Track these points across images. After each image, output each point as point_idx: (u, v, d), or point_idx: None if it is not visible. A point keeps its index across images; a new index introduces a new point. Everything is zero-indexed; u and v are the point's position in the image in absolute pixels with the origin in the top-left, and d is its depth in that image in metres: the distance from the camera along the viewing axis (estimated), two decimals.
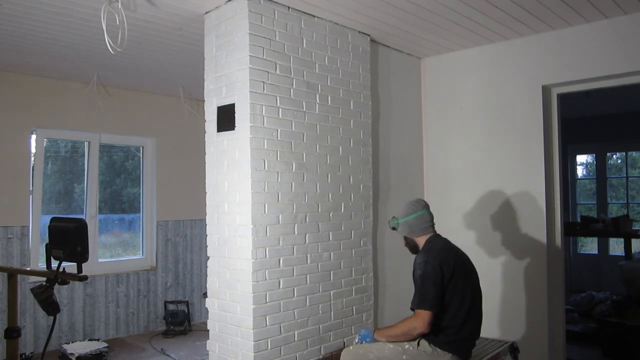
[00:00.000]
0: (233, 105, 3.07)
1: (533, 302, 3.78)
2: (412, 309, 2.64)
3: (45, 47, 3.92)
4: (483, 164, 4.09)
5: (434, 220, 2.91)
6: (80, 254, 2.31)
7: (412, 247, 2.93)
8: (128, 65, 4.47)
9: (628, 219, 5.90)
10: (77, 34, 3.63)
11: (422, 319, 2.57)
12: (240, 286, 3.01)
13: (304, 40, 3.30)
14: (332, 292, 3.41)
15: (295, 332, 3.17)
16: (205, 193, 3.30)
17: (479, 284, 2.85)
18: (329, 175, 3.43)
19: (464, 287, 2.67)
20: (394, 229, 2.96)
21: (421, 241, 2.85)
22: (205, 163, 3.31)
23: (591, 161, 7.83)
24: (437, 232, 2.91)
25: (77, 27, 3.49)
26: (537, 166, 3.79)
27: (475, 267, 4.05)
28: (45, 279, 2.34)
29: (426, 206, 2.91)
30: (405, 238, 2.94)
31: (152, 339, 5.27)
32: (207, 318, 3.27)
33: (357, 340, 2.82)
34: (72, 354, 4.48)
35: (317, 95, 3.37)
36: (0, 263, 4.53)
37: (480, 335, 3.49)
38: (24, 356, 4.51)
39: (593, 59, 3.56)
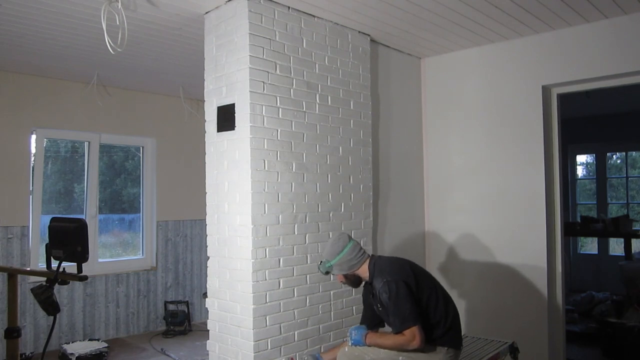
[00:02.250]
0: (233, 105, 3.07)
1: (533, 302, 3.78)
2: (397, 333, 2.56)
3: (45, 47, 3.93)
4: (483, 164, 4.08)
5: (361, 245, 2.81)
6: (80, 254, 2.32)
7: (354, 281, 2.79)
8: (128, 65, 4.47)
9: (628, 219, 5.90)
10: (77, 34, 3.63)
11: (412, 336, 2.50)
12: (240, 286, 3.01)
13: (304, 40, 3.30)
14: (332, 292, 3.41)
15: (295, 332, 3.16)
16: (205, 193, 3.30)
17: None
18: (329, 175, 3.43)
19: (429, 283, 2.72)
20: (327, 273, 2.75)
21: (363, 270, 2.72)
22: (205, 163, 3.31)
23: (591, 161, 7.84)
24: (371, 253, 2.84)
25: (77, 27, 3.49)
26: (537, 166, 3.79)
27: (475, 267, 4.09)
28: (45, 279, 2.34)
29: (349, 237, 2.77)
30: (345, 276, 2.76)
31: (152, 339, 5.27)
32: (207, 318, 3.27)
33: (350, 344, 2.76)
34: (72, 354, 4.48)
35: (317, 95, 3.37)
36: (0, 263, 4.53)
37: (480, 336, 3.50)
38: (24, 356, 4.51)
39: (593, 59, 3.56)
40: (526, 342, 3.70)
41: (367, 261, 2.73)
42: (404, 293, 2.53)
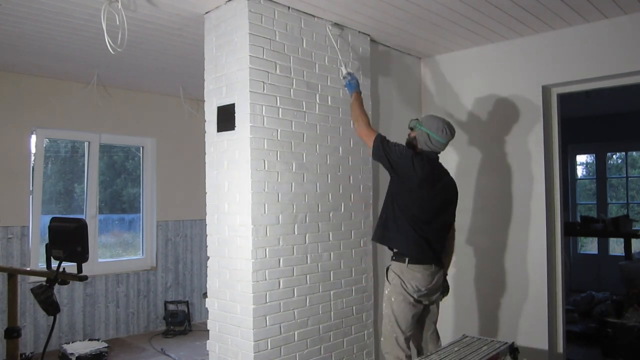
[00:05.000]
0: (233, 105, 3.07)
1: (533, 302, 3.78)
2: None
3: (45, 47, 3.93)
4: (483, 164, 4.08)
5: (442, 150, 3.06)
6: (80, 254, 2.32)
7: (410, 146, 3.06)
8: (128, 65, 4.47)
9: (628, 219, 5.91)
10: (77, 34, 3.63)
11: (370, 136, 2.98)
12: (240, 286, 3.01)
13: (304, 40, 3.30)
14: (332, 292, 3.41)
15: (295, 332, 3.17)
16: (205, 193, 3.30)
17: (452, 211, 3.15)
18: (329, 175, 3.43)
19: (431, 203, 2.94)
20: (411, 129, 3.07)
21: (418, 149, 3.03)
22: (205, 163, 3.31)
23: (591, 161, 7.84)
24: (437, 155, 3.05)
25: (77, 27, 3.49)
26: (537, 166, 3.79)
27: (475, 267, 4.08)
28: (45, 279, 2.34)
29: (449, 137, 2.98)
30: (410, 135, 3.08)
31: (152, 339, 5.27)
32: (207, 318, 3.27)
33: (345, 83, 3.25)
34: (72, 354, 4.48)
35: (317, 95, 3.37)
36: (0, 263, 4.53)
37: (480, 335, 3.50)
38: (24, 356, 4.51)
39: (593, 59, 3.55)
40: (526, 342, 3.70)
41: (422, 151, 3.01)
42: (397, 152, 2.91)
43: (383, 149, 2.92)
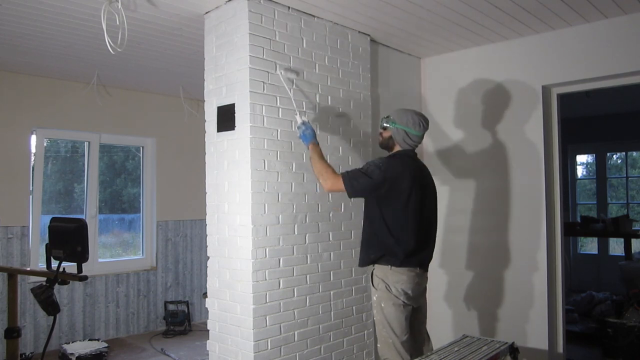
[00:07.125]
0: (233, 105, 3.07)
1: (533, 302, 3.78)
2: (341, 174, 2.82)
3: (45, 47, 3.93)
4: (483, 164, 4.08)
5: (420, 142, 2.99)
6: (80, 254, 2.32)
7: (386, 146, 3.01)
8: (128, 65, 4.47)
9: (628, 219, 5.90)
10: (77, 34, 3.64)
11: (338, 183, 2.77)
12: (240, 286, 3.01)
13: (304, 40, 3.30)
14: (332, 292, 3.41)
15: (295, 332, 3.17)
16: (205, 193, 3.31)
17: (434, 207, 3.06)
18: None
19: (418, 205, 2.86)
20: (383, 128, 2.96)
21: (395, 148, 2.96)
22: (205, 163, 3.31)
23: (591, 161, 7.84)
24: (414, 151, 2.97)
25: (77, 27, 3.49)
26: (537, 166, 3.79)
27: (475, 267, 4.09)
28: (45, 279, 2.35)
29: (425, 129, 2.93)
30: (386, 136, 2.98)
31: (152, 339, 5.27)
32: (207, 318, 3.27)
33: (299, 134, 3.00)
34: (72, 354, 4.48)
35: (317, 95, 3.37)
36: (0, 263, 4.53)
37: (480, 335, 3.50)
38: (24, 356, 4.51)
39: (593, 59, 3.56)
40: (526, 342, 3.70)
41: (399, 149, 2.94)
42: (375, 172, 2.76)
43: (359, 180, 2.77)
